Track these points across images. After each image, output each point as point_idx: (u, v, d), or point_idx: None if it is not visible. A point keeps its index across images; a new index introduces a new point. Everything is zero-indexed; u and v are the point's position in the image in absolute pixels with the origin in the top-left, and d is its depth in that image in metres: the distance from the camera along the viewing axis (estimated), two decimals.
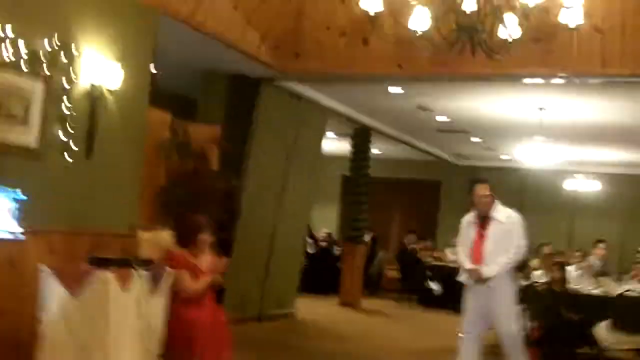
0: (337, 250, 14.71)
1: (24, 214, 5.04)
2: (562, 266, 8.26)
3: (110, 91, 5.98)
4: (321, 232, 15.61)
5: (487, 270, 6.11)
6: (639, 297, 7.83)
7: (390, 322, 11.64)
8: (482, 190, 6.33)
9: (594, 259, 10.63)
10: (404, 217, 18.13)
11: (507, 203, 16.68)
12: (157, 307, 5.21)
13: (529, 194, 16.21)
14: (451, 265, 14.05)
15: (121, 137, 6.24)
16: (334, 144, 13.95)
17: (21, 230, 5.07)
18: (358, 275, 12.96)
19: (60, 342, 4.63)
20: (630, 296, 7.83)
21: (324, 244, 15.19)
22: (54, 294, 4.69)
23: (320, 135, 11.16)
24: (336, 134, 13.47)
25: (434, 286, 13.76)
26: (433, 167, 17.57)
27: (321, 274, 13.72)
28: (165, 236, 6.29)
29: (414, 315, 12.64)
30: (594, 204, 15.61)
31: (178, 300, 5.56)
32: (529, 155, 11.98)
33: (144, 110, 6.56)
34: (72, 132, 5.69)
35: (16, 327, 5.21)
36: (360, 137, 12.97)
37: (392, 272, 15.78)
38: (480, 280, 6.13)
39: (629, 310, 7.68)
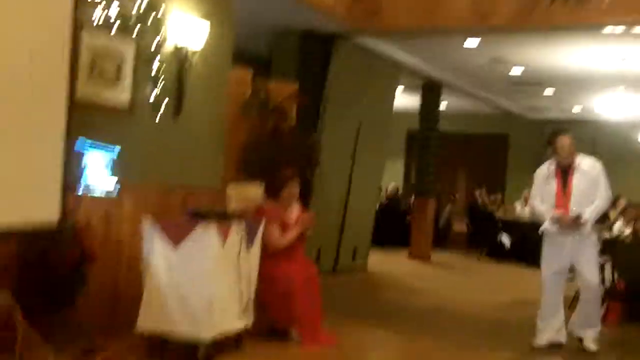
0: (404, 204, 14.78)
1: (118, 171, 5.24)
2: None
3: (195, 51, 6.10)
4: (389, 186, 15.66)
5: (586, 213, 6.05)
6: None
7: (461, 275, 11.62)
8: (565, 139, 6.24)
9: None
10: (471, 171, 18.02)
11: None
12: (252, 260, 5.37)
13: (600, 146, 15.91)
14: (521, 219, 14.12)
15: (206, 96, 6.38)
16: (399, 99, 13.89)
17: (117, 186, 5.27)
18: (428, 229, 13.02)
19: (163, 292, 4.82)
20: None
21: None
22: (157, 247, 4.88)
23: (393, 90, 11.16)
24: (405, 88, 13.40)
25: (505, 240, 13.73)
26: (500, 121, 17.38)
27: (389, 228, 13.78)
28: (253, 190, 6.44)
29: (485, 268, 12.62)
30: None
31: (269, 254, 5.72)
32: (608, 107, 11.73)
33: (227, 69, 6.68)
34: (162, 91, 5.86)
35: (114, 280, 5.47)
36: (431, 91, 12.91)
37: (461, 226, 15.81)
38: (574, 224, 6.06)
39: None
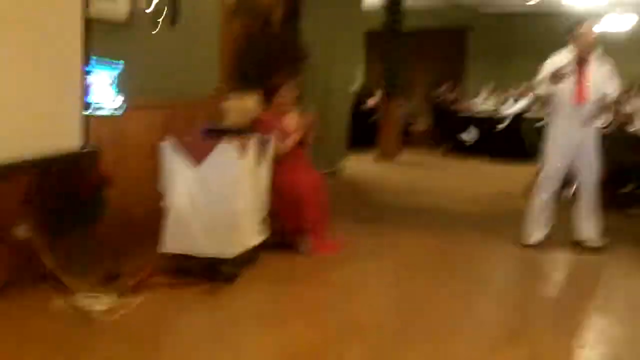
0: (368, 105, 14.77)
1: (123, 88, 5.08)
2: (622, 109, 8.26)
3: None
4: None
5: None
6: None
7: (432, 172, 11.79)
8: (589, 28, 6.08)
9: None
10: (428, 67, 17.94)
11: (536, 48, 16.54)
12: (265, 174, 5.34)
13: (558, 37, 16.04)
14: (483, 114, 14.33)
15: (199, 3, 6.17)
16: None
17: (124, 104, 5.12)
18: (395, 129, 13.09)
19: (187, 212, 4.77)
20: None
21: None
22: (178, 167, 4.80)
23: None
24: None
25: (467, 136, 13.94)
26: (457, 15, 17.23)
27: (355, 130, 13.78)
28: (250, 101, 6.33)
29: (453, 165, 12.83)
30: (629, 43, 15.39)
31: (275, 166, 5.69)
32: None
33: None
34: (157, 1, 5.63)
35: (128, 202, 5.39)
36: None
37: (421, 124, 15.94)
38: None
39: None
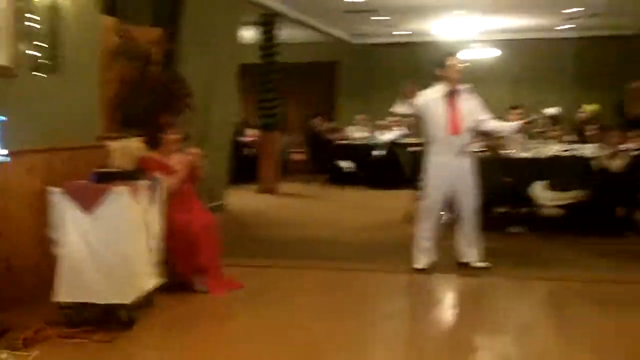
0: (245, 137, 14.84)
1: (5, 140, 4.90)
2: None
3: (69, 4, 5.76)
4: None
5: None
6: (569, 157, 8.45)
7: (314, 203, 11.97)
8: (457, 61, 6.44)
9: None
10: (301, 100, 18.24)
11: (408, 77, 17.10)
12: (156, 215, 5.29)
13: (427, 66, 16.72)
14: (358, 142, 14.69)
15: (80, 49, 6.06)
16: None
17: (5, 152, 4.94)
18: (275, 161, 13.21)
19: (79, 260, 4.66)
20: (562, 157, 8.46)
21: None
22: (68, 215, 4.69)
23: (238, 24, 11.03)
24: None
25: (345, 164, 14.25)
26: (327, 48, 17.68)
27: (235, 163, 13.81)
28: (135, 144, 6.27)
29: (332, 194, 13.05)
30: (494, 71, 16.24)
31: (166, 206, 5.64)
32: (444, 29, 12.25)
33: (97, 17, 6.35)
34: (38, 48, 5.50)
35: (9, 253, 5.20)
36: (268, 23, 12.88)
37: (298, 155, 16.14)
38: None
39: (560, 170, 8.34)
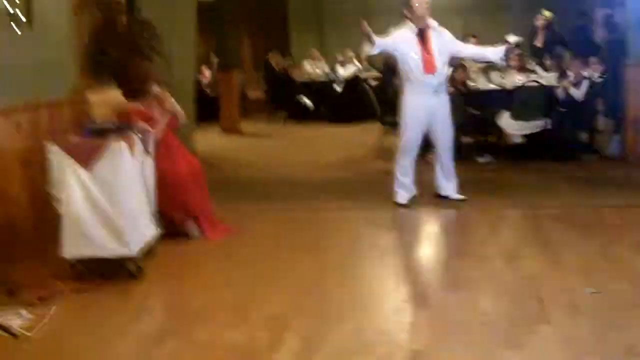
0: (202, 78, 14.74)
1: None
2: (462, 67, 8.89)
3: None
4: None
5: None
6: (534, 87, 8.69)
7: (280, 141, 12.03)
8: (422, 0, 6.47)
9: None
10: (254, 36, 18.05)
11: (358, 10, 17.04)
12: (150, 166, 5.36)
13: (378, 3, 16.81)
14: (317, 78, 14.75)
15: (53, 1, 5.99)
16: None
17: None
18: (235, 101, 13.21)
19: (83, 216, 4.73)
20: (527, 87, 8.68)
21: None
22: (67, 171, 4.72)
23: None
24: None
25: (306, 101, 14.32)
26: None
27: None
28: (112, 94, 6.23)
29: (296, 131, 13.15)
30: (446, 2, 16.28)
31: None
32: None
33: None
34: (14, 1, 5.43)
35: (11, 213, 5.25)
36: None
37: (256, 93, 16.10)
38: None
39: (526, 100, 8.59)
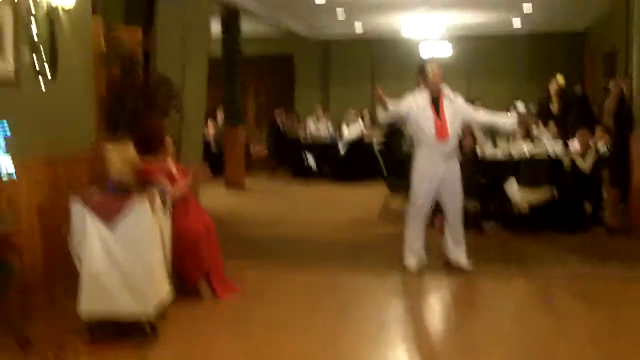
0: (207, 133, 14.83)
1: (11, 148, 4.93)
2: (471, 135, 9.02)
3: (64, 10, 5.79)
4: None
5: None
6: (541, 156, 8.81)
7: (285, 199, 12.06)
8: (436, 66, 6.63)
9: None
10: (259, 93, 18.32)
11: (363, 72, 17.42)
12: (167, 222, 5.38)
13: (384, 62, 17.09)
14: (322, 138, 14.87)
15: (75, 53, 6.10)
16: None
17: (12, 170, 4.94)
18: (240, 156, 13.28)
19: (103, 272, 4.73)
20: (536, 158, 8.81)
21: None
22: (89, 227, 4.74)
23: (209, 17, 11.00)
24: None
25: (311, 160, 14.40)
26: (284, 42, 17.78)
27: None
28: (131, 148, 6.29)
29: (300, 190, 13.21)
30: (448, 67, 16.58)
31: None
32: (411, 26, 12.46)
33: (89, 21, 6.39)
34: (40, 54, 5.52)
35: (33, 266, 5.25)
36: (232, 17, 12.91)
37: (258, 148, 16.22)
38: None
39: (533, 168, 8.68)
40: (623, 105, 8.55)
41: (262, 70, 17.90)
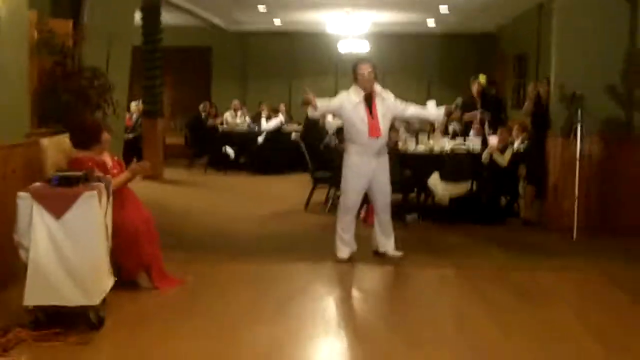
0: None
1: None
2: (395, 130, 9.29)
3: None
4: None
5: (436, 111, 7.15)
6: (462, 153, 9.18)
7: (204, 190, 12.12)
8: (365, 68, 6.80)
9: None
10: (176, 84, 18.16)
11: (282, 66, 17.61)
12: (110, 214, 5.36)
13: (301, 56, 17.24)
14: (239, 129, 14.97)
15: (11, 44, 5.97)
16: None
17: None
18: (159, 148, 13.18)
19: (49, 264, 4.69)
20: (457, 152, 9.20)
21: None
22: (36, 220, 4.70)
23: (134, 8, 10.92)
24: None
25: (230, 150, 14.46)
26: (203, 34, 17.70)
27: None
28: (66, 140, 6.22)
29: (218, 180, 13.30)
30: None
31: None
32: (335, 23, 12.67)
33: (26, 11, 6.25)
34: None
35: None
36: (151, 8, 12.78)
37: (172, 139, 16.10)
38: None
39: (455, 163, 9.05)
40: (540, 107, 9.00)
41: (179, 62, 17.74)
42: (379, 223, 7.14)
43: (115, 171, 5.97)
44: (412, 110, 7.22)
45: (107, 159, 6.04)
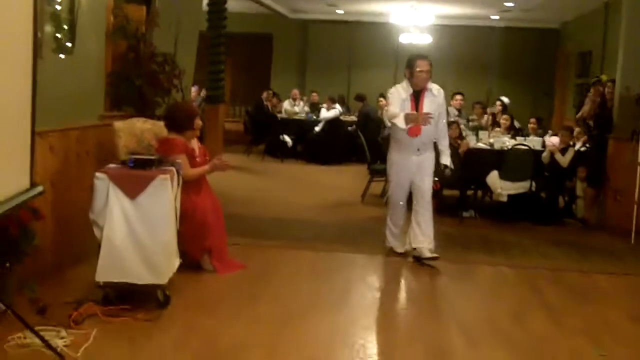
0: None
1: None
2: (456, 124, 9.31)
3: None
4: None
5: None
6: (522, 150, 9.14)
7: (268, 178, 12.29)
8: (423, 65, 6.67)
9: (452, 110, 11.39)
10: (234, 71, 18.35)
11: (339, 55, 17.58)
12: (179, 198, 5.54)
13: (361, 46, 17.29)
14: (297, 117, 15.13)
15: (90, 28, 6.18)
16: None
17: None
18: (220, 134, 13.40)
19: (122, 243, 4.89)
20: (516, 149, 9.15)
21: None
22: (112, 201, 4.90)
23: None
24: None
25: (288, 139, 14.62)
26: (264, 20, 17.84)
27: None
28: (139, 124, 6.40)
29: (278, 168, 13.48)
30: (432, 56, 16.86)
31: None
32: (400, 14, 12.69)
33: None
34: (61, 28, 5.60)
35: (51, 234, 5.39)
36: None
37: (231, 125, 16.32)
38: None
39: (514, 161, 9.01)
40: (604, 109, 8.92)
41: (239, 48, 17.91)
42: (417, 221, 6.87)
43: (199, 160, 6.14)
44: (440, 142, 7.01)
45: (196, 145, 6.21)
